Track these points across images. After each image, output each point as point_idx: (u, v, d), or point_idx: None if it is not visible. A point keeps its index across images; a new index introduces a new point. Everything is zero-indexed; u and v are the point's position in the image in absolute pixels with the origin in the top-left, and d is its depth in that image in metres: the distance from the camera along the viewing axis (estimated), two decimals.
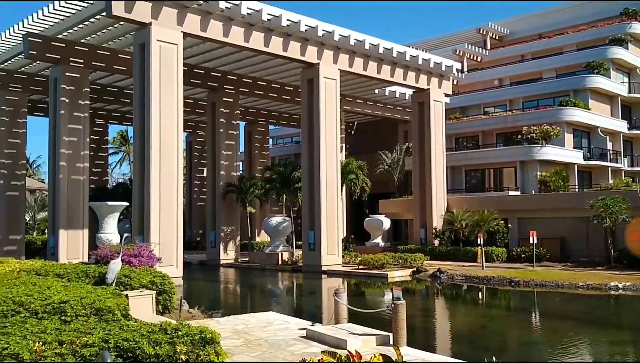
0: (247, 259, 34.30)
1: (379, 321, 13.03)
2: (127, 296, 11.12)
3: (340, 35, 28.76)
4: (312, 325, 11.50)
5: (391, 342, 10.03)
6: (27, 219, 49.77)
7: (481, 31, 49.46)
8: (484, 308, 20.72)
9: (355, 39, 29.46)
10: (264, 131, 44.99)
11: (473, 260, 28.94)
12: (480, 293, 23.22)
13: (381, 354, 4.79)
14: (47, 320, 7.82)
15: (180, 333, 6.72)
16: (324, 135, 28.90)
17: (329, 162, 29.14)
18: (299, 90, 31.50)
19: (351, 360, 4.77)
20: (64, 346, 6.31)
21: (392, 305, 10.40)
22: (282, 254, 31.81)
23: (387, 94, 40.14)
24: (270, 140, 50.69)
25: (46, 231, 34.38)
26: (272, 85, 36.40)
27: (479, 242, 27.92)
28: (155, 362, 6.26)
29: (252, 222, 38.86)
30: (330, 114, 29.34)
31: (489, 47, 49.34)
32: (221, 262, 33.42)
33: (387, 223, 36.35)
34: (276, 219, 33.38)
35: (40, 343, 6.30)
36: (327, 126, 29.10)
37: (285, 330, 11.56)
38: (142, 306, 11.93)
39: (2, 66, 31.23)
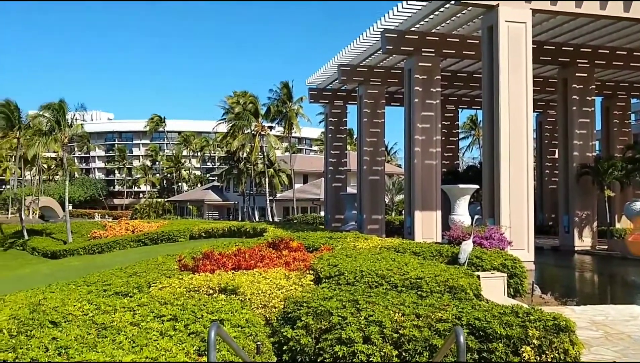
0: (606, 247, 31.58)
1: None
2: (478, 277, 11.35)
3: None
4: None
5: None
6: (387, 201, 54.62)
7: None
8: None
9: None
10: (625, 105, 40.46)
11: None
12: None
13: None
14: (405, 294, 8.49)
15: (532, 317, 6.60)
16: None
17: None
18: None
19: None
20: (420, 319, 6.79)
21: None
22: None
23: None
24: (633, 115, 45.45)
25: (403, 212, 37.26)
26: (634, 53, 32.46)
27: None
28: (506, 344, 6.29)
29: (611, 207, 35.50)
30: None
31: None
32: (575, 248, 31.44)
33: None
34: None
35: (400, 314, 6.90)
36: None
37: None
38: (492, 288, 12.05)
39: (364, 62, 34.81)
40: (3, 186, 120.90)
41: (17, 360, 4.03)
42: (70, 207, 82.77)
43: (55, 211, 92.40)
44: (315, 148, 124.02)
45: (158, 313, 6.27)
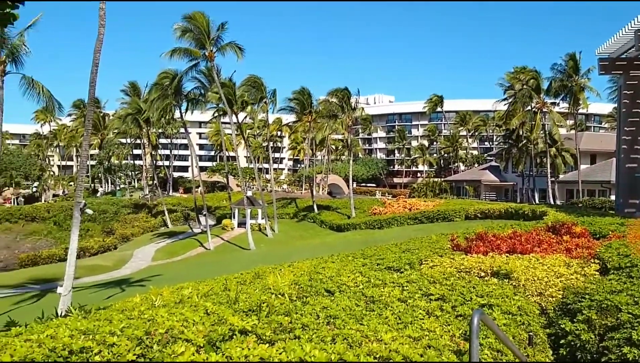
0: None
1: None
2: None
3: None
4: None
5: None
6: None
7: None
8: None
9: None
10: None
11: None
12: None
13: None
14: None
15: None
16: None
17: None
18: None
19: None
20: None
21: None
22: None
23: None
24: None
25: None
26: None
27: None
28: None
29: None
30: None
31: None
32: None
33: None
34: None
35: None
36: None
37: None
38: None
39: None
40: (298, 165, 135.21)
41: (290, 325, 4.30)
42: (354, 185, 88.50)
43: (341, 188, 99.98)
44: (605, 125, 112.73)
45: (426, 292, 6.21)
